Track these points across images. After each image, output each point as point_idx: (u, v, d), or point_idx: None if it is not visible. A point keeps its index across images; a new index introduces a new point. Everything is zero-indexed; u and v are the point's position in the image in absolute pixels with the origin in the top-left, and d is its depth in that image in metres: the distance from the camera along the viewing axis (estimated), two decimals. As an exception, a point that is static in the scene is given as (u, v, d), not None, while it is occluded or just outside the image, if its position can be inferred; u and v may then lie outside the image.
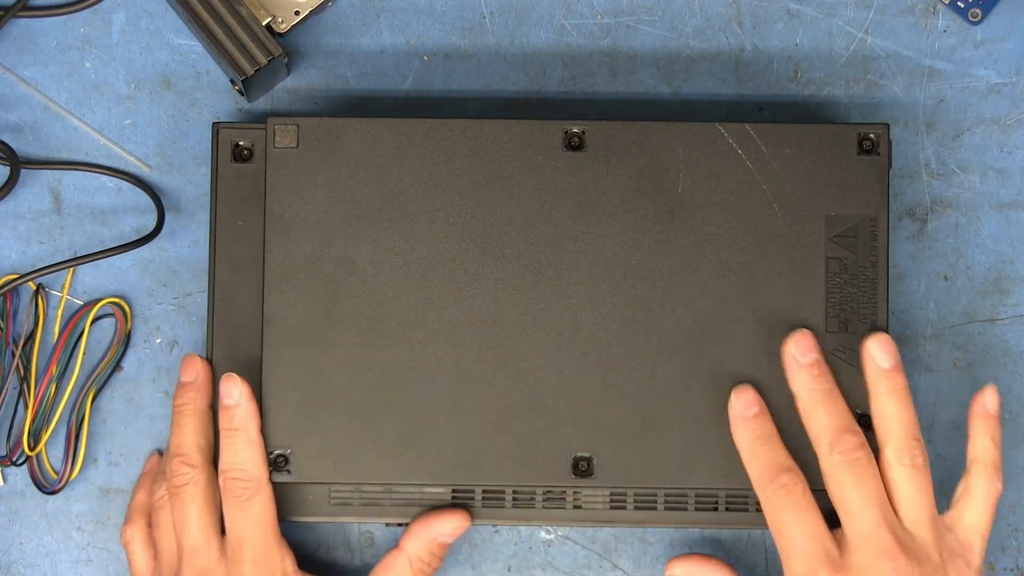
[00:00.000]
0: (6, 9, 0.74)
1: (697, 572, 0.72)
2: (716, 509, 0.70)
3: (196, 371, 0.70)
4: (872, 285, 0.70)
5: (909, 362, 0.75)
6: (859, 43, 0.75)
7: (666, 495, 0.70)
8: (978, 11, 0.75)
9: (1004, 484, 0.69)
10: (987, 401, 0.69)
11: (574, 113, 0.75)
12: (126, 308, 0.74)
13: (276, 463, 0.69)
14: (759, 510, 0.70)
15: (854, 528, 0.66)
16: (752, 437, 0.68)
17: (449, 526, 0.70)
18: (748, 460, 0.68)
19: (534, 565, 0.75)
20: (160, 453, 0.74)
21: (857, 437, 0.67)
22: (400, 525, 0.71)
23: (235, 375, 0.69)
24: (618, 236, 0.70)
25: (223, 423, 0.69)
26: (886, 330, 0.69)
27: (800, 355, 0.68)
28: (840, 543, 0.67)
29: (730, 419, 0.69)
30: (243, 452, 0.69)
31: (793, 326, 0.69)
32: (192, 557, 0.68)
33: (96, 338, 0.74)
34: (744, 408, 0.68)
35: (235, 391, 0.69)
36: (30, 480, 0.73)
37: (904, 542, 0.66)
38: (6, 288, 0.72)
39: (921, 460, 0.67)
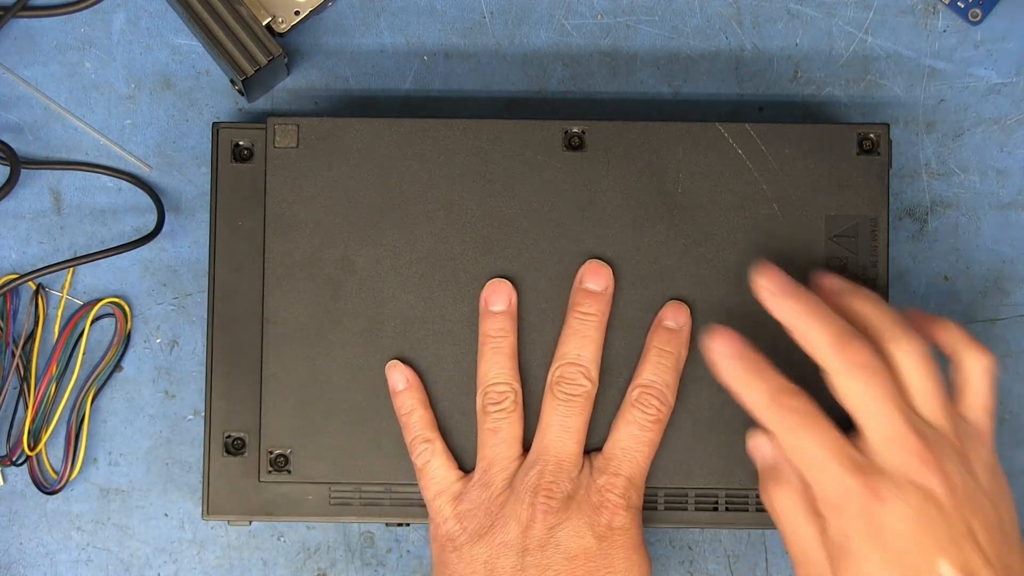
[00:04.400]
0: (6, 9, 0.74)
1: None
2: (716, 509, 0.70)
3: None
4: (872, 285, 0.70)
5: (909, 362, 0.74)
6: (859, 43, 0.75)
7: (666, 495, 0.70)
8: (978, 11, 0.75)
9: (991, 354, 0.66)
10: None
11: (574, 113, 0.75)
12: (126, 308, 0.74)
13: (276, 463, 0.69)
14: (759, 510, 0.70)
15: (875, 430, 0.63)
16: (743, 371, 0.64)
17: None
18: (744, 392, 0.64)
19: (534, 565, 0.75)
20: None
21: (863, 340, 0.63)
22: (400, 525, 0.71)
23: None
24: (618, 236, 0.70)
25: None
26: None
27: (775, 287, 0.65)
28: (862, 448, 0.63)
29: (713, 360, 0.65)
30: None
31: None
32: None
33: (96, 338, 0.74)
34: (726, 346, 0.64)
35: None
36: (30, 480, 0.73)
37: (926, 435, 0.63)
38: (6, 288, 0.72)
39: (921, 348, 0.64)
